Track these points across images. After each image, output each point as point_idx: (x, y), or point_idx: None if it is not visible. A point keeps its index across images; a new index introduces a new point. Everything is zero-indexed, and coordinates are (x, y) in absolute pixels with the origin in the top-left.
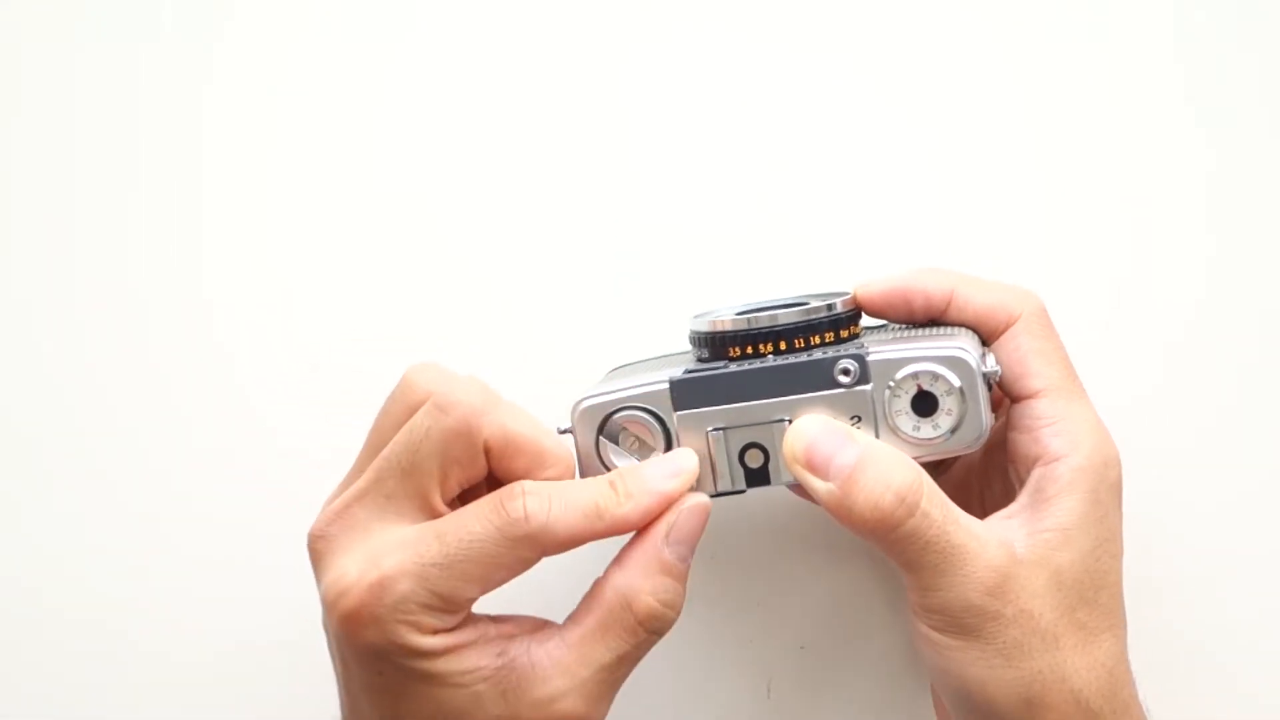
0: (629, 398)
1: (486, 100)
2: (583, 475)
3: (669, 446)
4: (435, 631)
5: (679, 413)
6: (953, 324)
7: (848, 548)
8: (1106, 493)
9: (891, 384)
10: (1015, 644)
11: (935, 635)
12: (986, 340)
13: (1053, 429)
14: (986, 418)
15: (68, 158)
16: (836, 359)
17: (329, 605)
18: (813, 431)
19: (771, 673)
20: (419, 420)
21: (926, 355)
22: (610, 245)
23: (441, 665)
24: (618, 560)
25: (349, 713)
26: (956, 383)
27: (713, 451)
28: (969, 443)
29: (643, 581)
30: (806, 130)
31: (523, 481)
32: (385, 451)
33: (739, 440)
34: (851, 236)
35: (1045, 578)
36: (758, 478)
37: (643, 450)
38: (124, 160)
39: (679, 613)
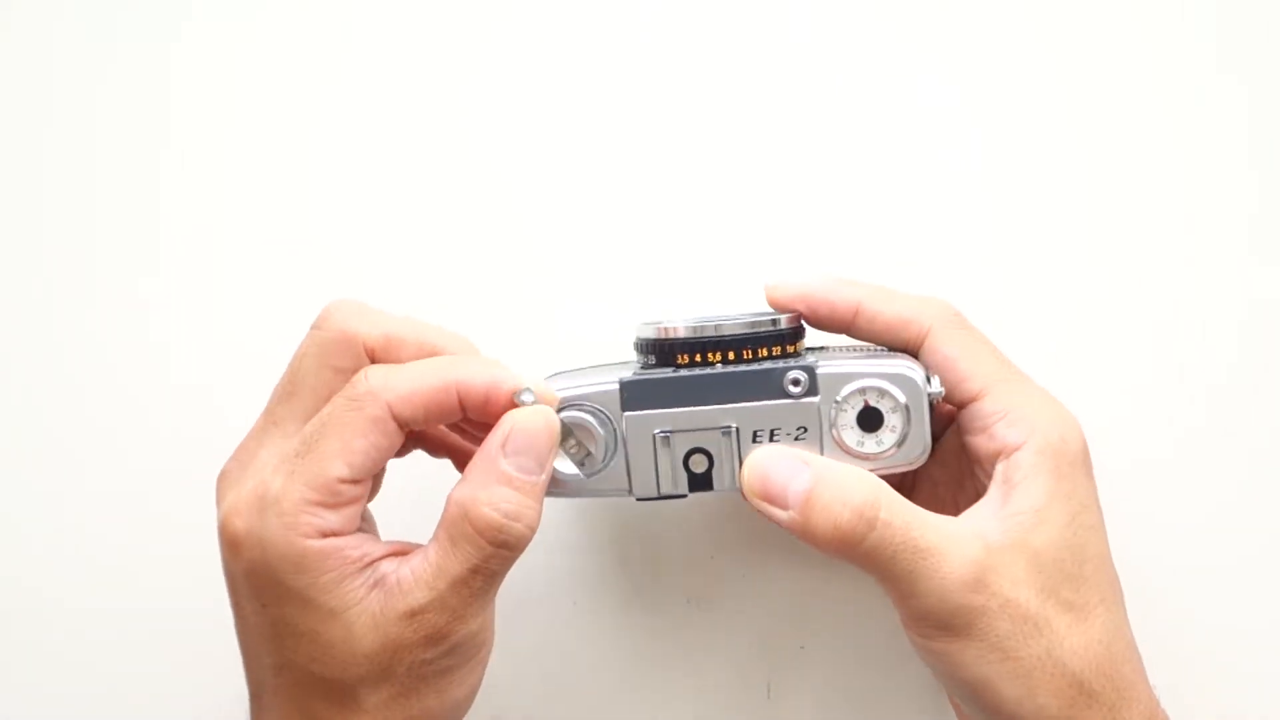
0: (577, 396)
1: (451, 107)
2: None
3: (612, 449)
4: (317, 534)
5: (627, 414)
6: (862, 338)
7: None
8: (1070, 466)
9: (839, 398)
10: (1008, 635)
11: (931, 644)
12: (906, 352)
13: (1004, 421)
14: (928, 437)
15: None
16: (787, 369)
17: (220, 534)
18: (765, 463)
19: (771, 673)
20: (300, 347)
21: (874, 371)
22: (553, 258)
23: (322, 583)
24: (462, 477)
25: (248, 674)
26: (902, 399)
27: (658, 454)
28: (911, 459)
29: (479, 492)
30: (762, 144)
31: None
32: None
33: (685, 444)
34: (802, 253)
35: (1024, 562)
36: (700, 483)
37: (581, 454)
38: (101, 157)
39: (529, 526)
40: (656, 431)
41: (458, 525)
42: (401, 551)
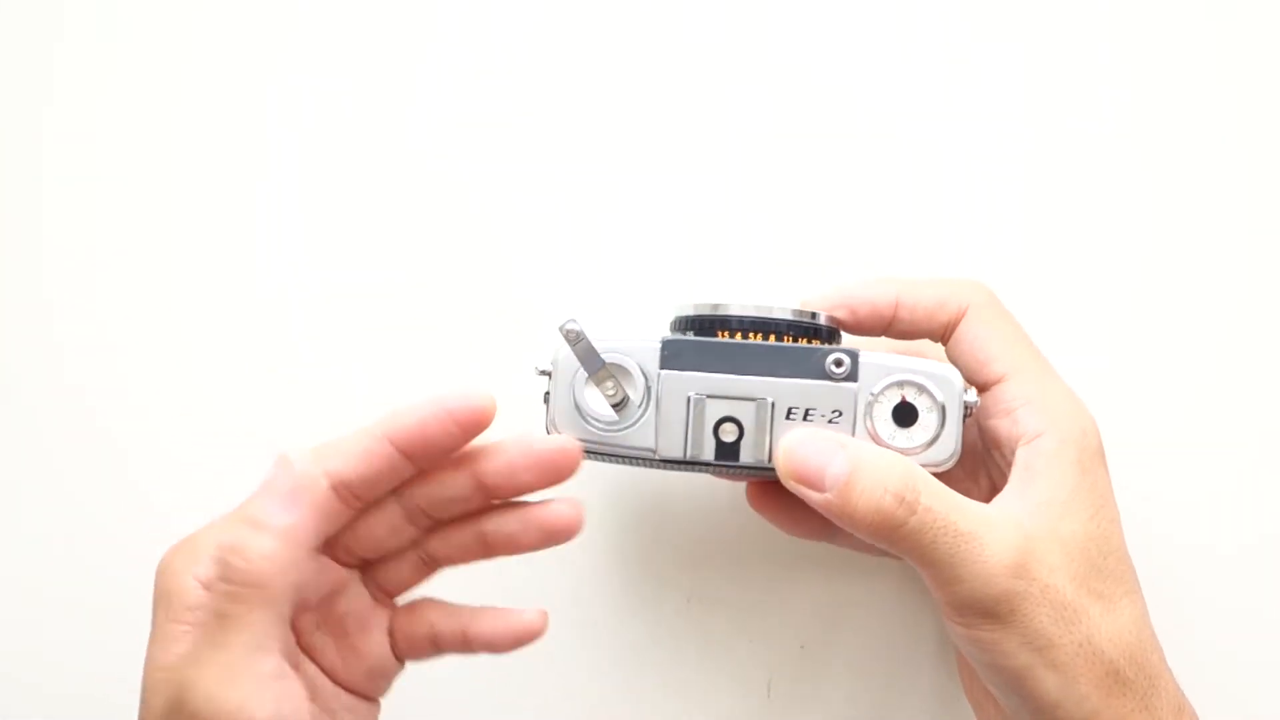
0: (616, 348)
1: (463, 101)
2: (554, 415)
3: (646, 403)
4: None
5: (664, 371)
6: (903, 332)
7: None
8: (1091, 459)
9: (877, 389)
10: (1051, 622)
11: (973, 632)
12: (942, 337)
13: (1028, 408)
14: (958, 442)
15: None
16: (830, 350)
17: None
18: (801, 444)
19: (771, 673)
20: (260, 487)
21: (915, 368)
22: (570, 262)
23: (165, 631)
24: None
25: None
26: (939, 399)
27: (690, 417)
28: (938, 461)
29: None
30: (779, 147)
31: None
32: None
33: (717, 411)
34: (826, 255)
35: (1058, 550)
36: (727, 452)
37: (619, 397)
38: (96, 153)
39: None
40: (691, 394)
41: None
42: None
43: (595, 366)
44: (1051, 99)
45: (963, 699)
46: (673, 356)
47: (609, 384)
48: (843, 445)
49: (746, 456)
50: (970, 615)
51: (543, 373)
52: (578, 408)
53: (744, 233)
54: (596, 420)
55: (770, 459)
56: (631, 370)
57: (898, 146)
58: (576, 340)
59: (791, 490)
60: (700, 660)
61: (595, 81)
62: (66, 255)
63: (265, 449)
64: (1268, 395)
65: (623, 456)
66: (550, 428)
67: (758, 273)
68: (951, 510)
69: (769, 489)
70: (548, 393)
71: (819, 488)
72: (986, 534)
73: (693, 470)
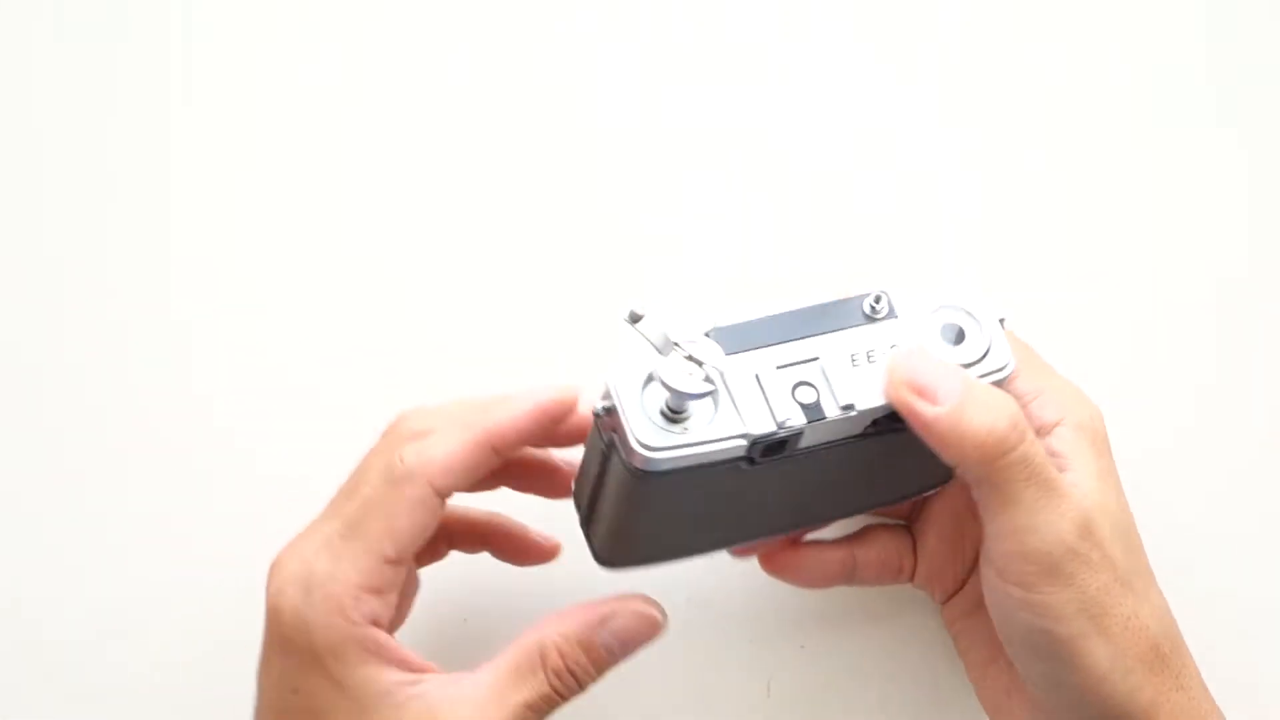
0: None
1: (473, 108)
2: (633, 432)
3: (718, 397)
4: (364, 620)
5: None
6: None
7: None
8: (1103, 445)
9: (920, 317)
10: (1106, 590)
11: (1030, 594)
12: None
13: (1038, 401)
14: (1009, 347)
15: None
16: (863, 295)
17: (266, 616)
18: (915, 358)
19: (771, 673)
20: (367, 457)
21: (944, 293)
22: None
23: (360, 675)
24: (554, 615)
25: None
26: (977, 314)
27: (766, 391)
28: (999, 367)
29: (562, 643)
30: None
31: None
32: None
33: (788, 379)
34: (825, 255)
35: (1109, 523)
36: (814, 411)
37: (701, 374)
38: (96, 163)
39: (576, 691)
40: (757, 371)
41: (530, 658)
42: (442, 671)
43: (666, 345)
44: (1052, 99)
45: (967, 698)
46: (726, 344)
47: (690, 365)
48: (953, 369)
49: (830, 411)
50: (1032, 572)
51: (602, 411)
52: (656, 410)
53: (744, 234)
54: (684, 399)
55: (852, 405)
56: (706, 345)
57: (898, 146)
58: (642, 319)
59: (898, 406)
60: (700, 660)
61: (594, 83)
62: (133, 263)
63: (267, 453)
64: (1268, 395)
65: (712, 462)
66: (630, 454)
67: (756, 276)
68: (1045, 455)
69: (782, 551)
70: (612, 429)
71: (934, 400)
72: (1067, 489)
73: (722, 545)
